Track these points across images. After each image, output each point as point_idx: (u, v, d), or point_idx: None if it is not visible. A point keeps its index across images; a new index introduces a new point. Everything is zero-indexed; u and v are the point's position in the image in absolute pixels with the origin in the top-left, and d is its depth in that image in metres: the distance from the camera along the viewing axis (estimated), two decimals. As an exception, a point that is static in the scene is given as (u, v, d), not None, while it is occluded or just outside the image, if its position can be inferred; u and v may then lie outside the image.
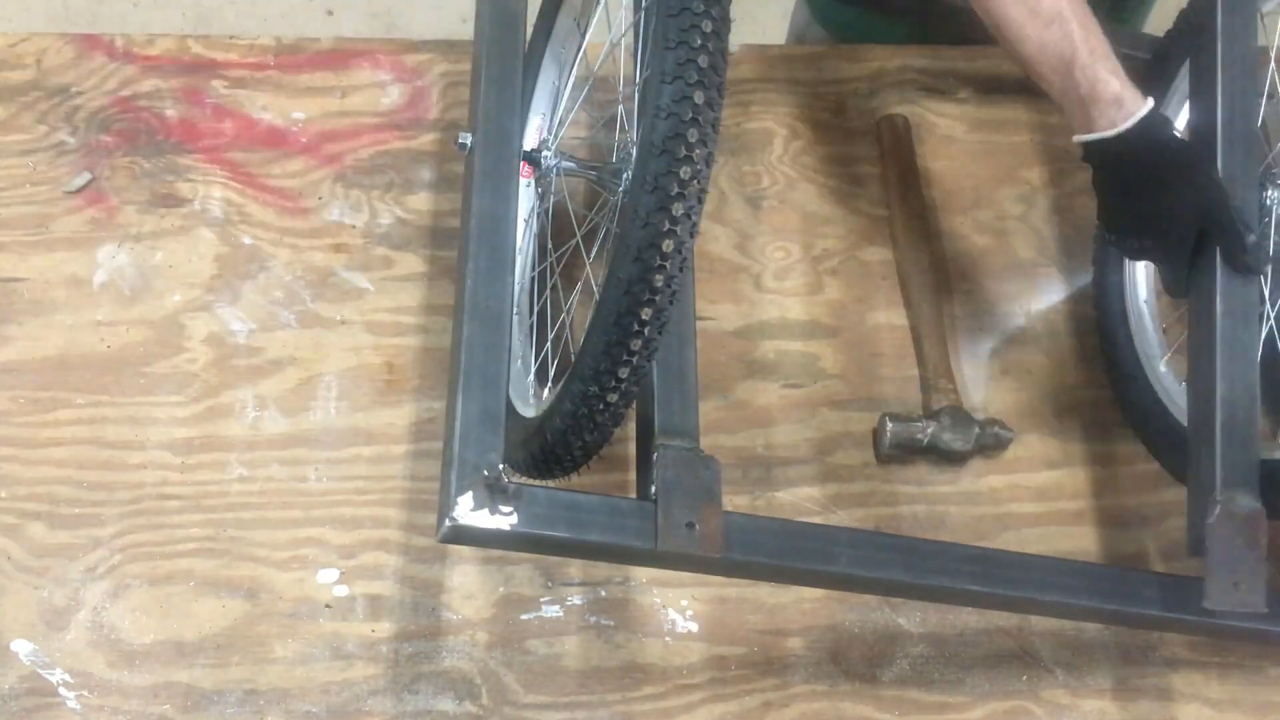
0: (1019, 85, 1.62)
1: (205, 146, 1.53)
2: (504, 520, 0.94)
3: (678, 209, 0.90)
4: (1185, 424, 1.22)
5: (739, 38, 1.69)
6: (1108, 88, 1.15)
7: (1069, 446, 1.38)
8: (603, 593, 1.27)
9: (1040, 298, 1.47)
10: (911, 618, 1.27)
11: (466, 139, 1.11)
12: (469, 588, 1.27)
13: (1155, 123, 1.16)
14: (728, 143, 1.55)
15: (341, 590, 1.27)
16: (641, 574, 1.28)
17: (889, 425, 1.33)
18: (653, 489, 1.00)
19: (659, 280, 0.92)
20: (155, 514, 1.29)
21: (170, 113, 1.55)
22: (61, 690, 1.21)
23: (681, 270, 0.93)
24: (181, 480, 1.31)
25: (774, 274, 1.47)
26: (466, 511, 0.93)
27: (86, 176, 1.50)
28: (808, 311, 1.45)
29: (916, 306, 1.44)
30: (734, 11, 1.00)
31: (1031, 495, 1.34)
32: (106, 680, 1.21)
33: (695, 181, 0.90)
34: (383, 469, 1.33)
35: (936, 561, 1.07)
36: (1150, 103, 1.16)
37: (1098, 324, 1.43)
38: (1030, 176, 1.55)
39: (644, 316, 0.93)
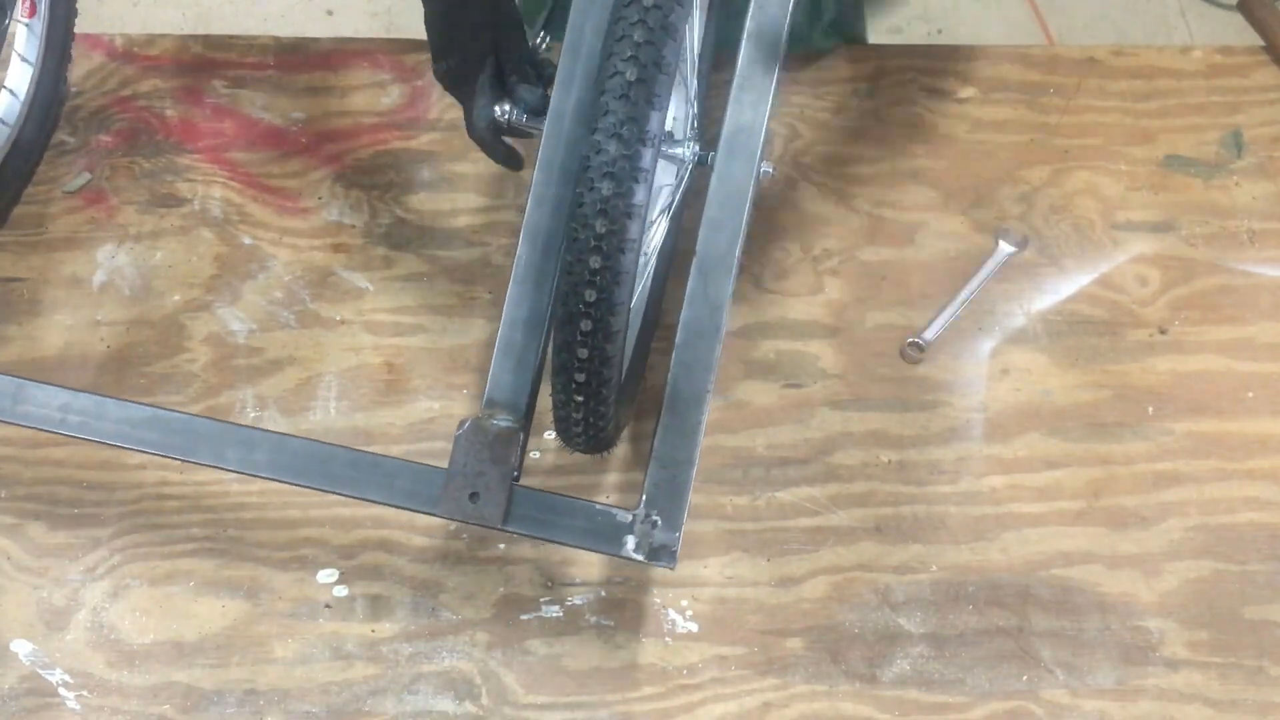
0: (1019, 85, 1.62)
1: (205, 146, 1.53)
2: None
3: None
4: None
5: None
6: None
7: (1069, 446, 1.37)
8: (603, 593, 1.27)
9: (1040, 298, 1.47)
10: (912, 618, 1.27)
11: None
12: (469, 588, 1.27)
13: None
14: (728, 143, 1.55)
15: (341, 590, 1.27)
16: (642, 574, 1.28)
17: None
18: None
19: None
20: (155, 514, 1.30)
21: (170, 113, 1.55)
22: (61, 690, 1.21)
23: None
24: (181, 480, 1.31)
25: (774, 274, 1.47)
26: None
27: (86, 176, 1.50)
28: (808, 311, 1.45)
29: None
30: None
31: (1031, 495, 1.34)
32: (106, 680, 1.21)
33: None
34: (383, 469, 1.33)
35: None
36: None
37: None
38: (1030, 176, 1.55)
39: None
